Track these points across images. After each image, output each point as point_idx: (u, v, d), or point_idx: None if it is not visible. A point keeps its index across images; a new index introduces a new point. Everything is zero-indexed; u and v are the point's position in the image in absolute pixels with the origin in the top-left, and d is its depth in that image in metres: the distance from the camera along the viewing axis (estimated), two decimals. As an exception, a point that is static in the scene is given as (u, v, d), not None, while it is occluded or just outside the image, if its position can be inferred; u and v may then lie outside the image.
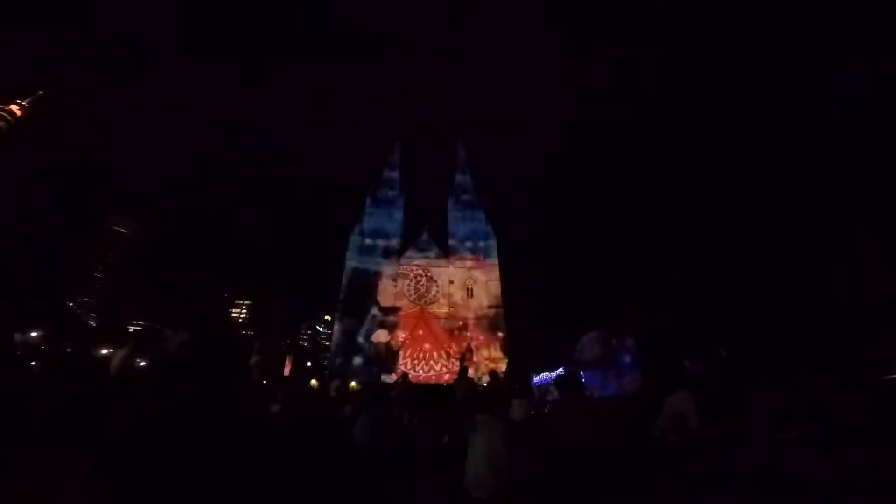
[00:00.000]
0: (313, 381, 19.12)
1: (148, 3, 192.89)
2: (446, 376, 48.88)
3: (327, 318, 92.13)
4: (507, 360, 53.80)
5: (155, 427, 1.83)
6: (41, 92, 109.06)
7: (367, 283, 59.48)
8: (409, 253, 63.38)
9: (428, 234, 65.39)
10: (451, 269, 62.05)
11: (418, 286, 60.87)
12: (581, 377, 5.26)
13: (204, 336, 2.22)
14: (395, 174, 72.40)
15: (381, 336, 56.24)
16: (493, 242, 64.09)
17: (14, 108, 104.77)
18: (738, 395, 8.27)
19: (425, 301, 59.87)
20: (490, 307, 58.61)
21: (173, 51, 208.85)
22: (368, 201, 66.50)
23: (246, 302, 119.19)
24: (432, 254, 63.58)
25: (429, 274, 61.70)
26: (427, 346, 55.97)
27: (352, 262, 61.02)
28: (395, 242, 63.84)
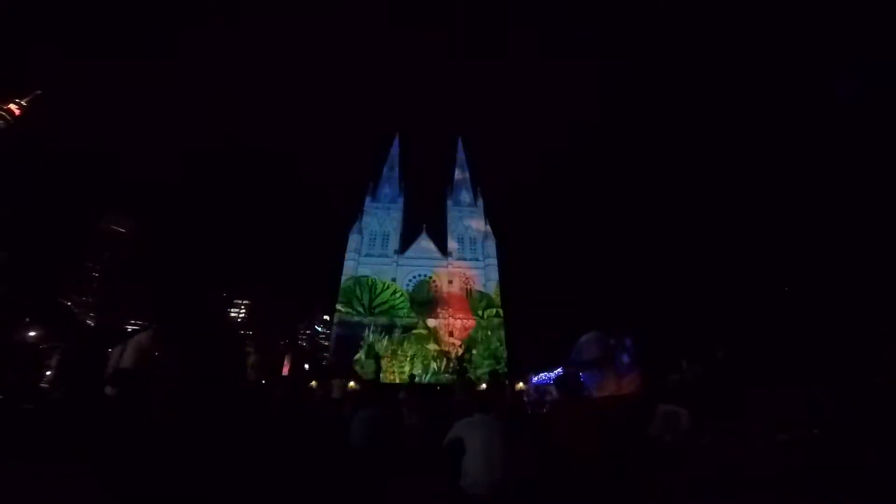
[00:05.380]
0: (313, 382, 19.10)
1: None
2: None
3: (326, 317, 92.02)
4: (506, 361, 53.77)
5: (156, 428, 1.83)
6: (39, 91, 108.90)
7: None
8: (409, 253, 63.34)
9: (427, 233, 65.34)
10: (450, 269, 61.99)
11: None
12: (580, 377, 5.25)
13: (199, 336, 2.21)
14: (395, 173, 72.46)
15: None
16: (492, 242, 64.09)
17: (12, 107, 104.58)
18: (737, 395, 8.28)
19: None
20: (489, 307, 58.52)
21: (172, 48, 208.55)
22: (368, 200, 66.45)
23: (244, 301, 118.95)
24: (431, 253, 63.56)
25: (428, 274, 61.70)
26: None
27: (351, 261, 60.92)
28: (394, 242, 63.81)
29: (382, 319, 56.87)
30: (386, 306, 58.13)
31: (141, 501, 1.72)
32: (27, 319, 35.11)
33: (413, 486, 5.24)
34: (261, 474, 1.81)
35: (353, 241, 62.21)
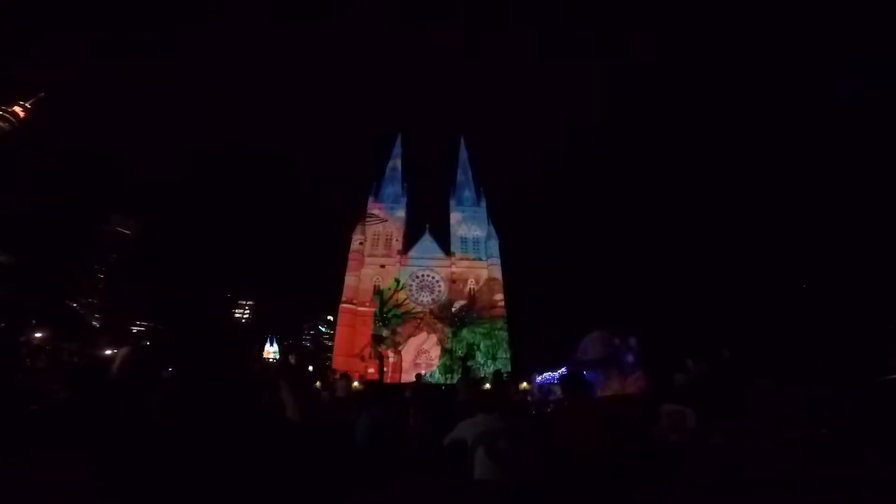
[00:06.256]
0: (317, 383, 19.16)
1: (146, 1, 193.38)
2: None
3: (330, 317, 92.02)
4: (509, 361, 53.62)
5: (156, 428, 1.85)
6: (43, 94, 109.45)
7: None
8: (412, 253, 63.30)
9: (430, 233, 65.28)
10: (452, 268, 61.92)
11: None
12: (585, 377, 5.25)
13: (198, 338, 2.22)
14: (397, 173, 72.44)
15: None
16: (495, 242, 64.00)
17: (17, 109, 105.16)
18: (740, 395, 8.26)
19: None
20: (492, 307, 58.34)
21: (172, 48, 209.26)
22: (370, 200, 66.39)
23: (249, 302, 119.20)
24: (434, 253, 63.46)
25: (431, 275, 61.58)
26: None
27: (354, 261, 60.91)
28: (397, 241, 63.80)
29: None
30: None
31: (140, 502, 1.74)
32: (33, 321, 35.34)
33: (415, 487, 5.26)
34: (262, 474, 1.83)
35: (355, 240, 62.27)
